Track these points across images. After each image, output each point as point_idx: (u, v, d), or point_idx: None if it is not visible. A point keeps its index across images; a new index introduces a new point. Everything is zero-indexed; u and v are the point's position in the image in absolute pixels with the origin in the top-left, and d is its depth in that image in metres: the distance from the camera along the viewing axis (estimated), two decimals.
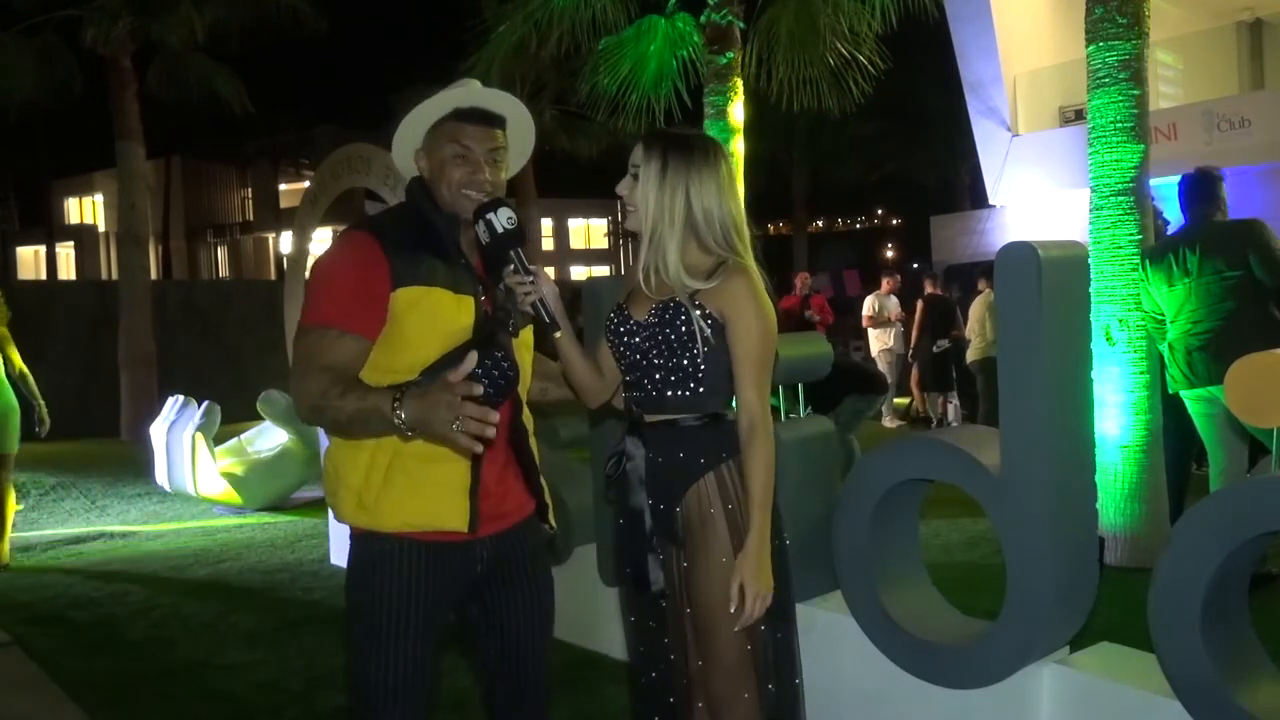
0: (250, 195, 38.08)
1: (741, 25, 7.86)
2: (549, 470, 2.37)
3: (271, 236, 36.24)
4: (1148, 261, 4.71)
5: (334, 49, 46.81)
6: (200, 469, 7.84)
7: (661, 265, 2.13)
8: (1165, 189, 5.24)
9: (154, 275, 21.23)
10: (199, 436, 7.80)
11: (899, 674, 2.91)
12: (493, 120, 2.12)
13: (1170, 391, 4.71)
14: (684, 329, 2.10)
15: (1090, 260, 4.63)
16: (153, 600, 5.20)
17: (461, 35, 10.31)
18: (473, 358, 1.81)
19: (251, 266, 37.60)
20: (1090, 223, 4.99)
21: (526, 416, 2.22)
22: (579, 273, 38.37)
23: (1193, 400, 4.60)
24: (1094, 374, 3.35)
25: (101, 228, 37.19)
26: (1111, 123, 4.88)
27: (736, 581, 2.04)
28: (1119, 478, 4.85)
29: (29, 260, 38.04)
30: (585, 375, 2.28)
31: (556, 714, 2.40)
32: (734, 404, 2.15)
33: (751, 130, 8.20)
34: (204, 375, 13.19)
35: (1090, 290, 3.29)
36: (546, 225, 37.43)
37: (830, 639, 3.11)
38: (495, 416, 1.68)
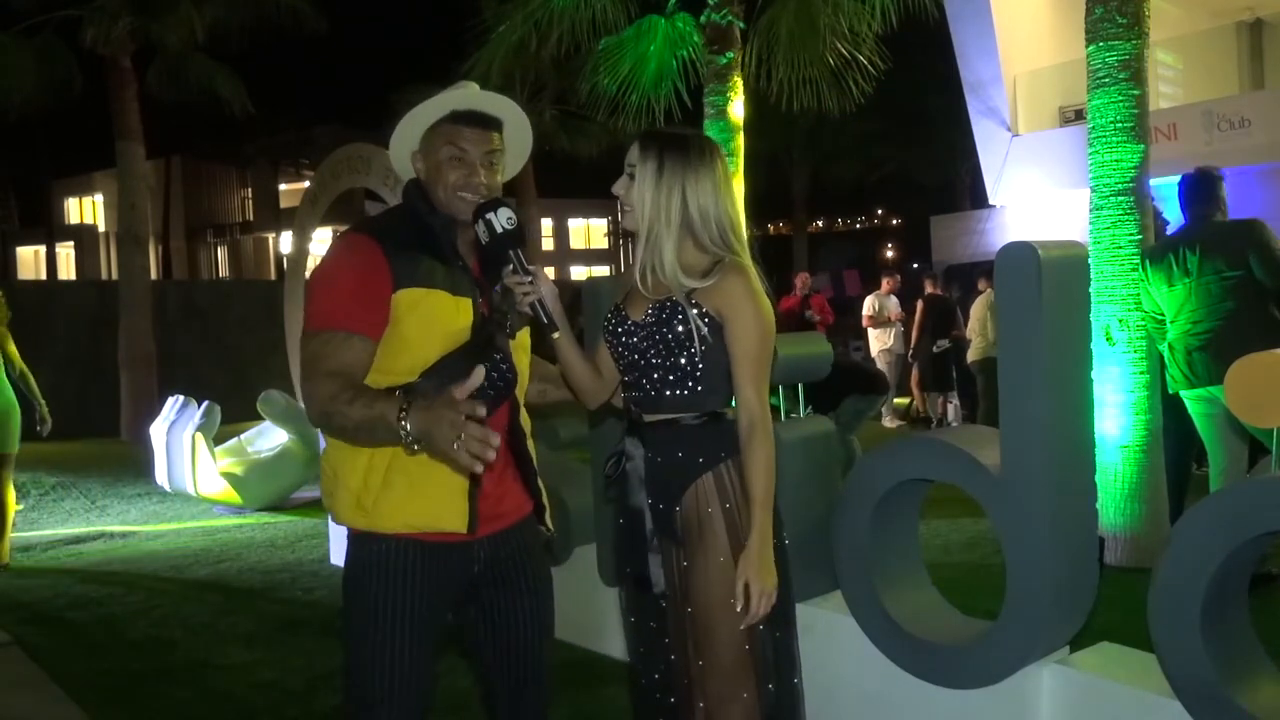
0: (250, 195, 38.07)
1: (741, 25, 7.86)
2: (549, 471, 2.38)
3: (271, 236, 36.23)
4: (1148, 261, 4.71)
5: (334, 49, 46.75)
6: (200, 469, 7.84)
7: (658, 264, 2.13)
8: (1165, 189, 5.24)
9: (154, 275, 21.24)
10: (199, 436, 7.80)
11: (899, 674, 2.91)
12: (489, 123, 2.12)
13: (1170, 391, 4.71)
14: (681, 328, 2.10)
15: (1090, 260, 4.63)
16: (153, 600, 5.20)
17: (461, 35, 10.34)
18: (479, 373, 1.81)
19: (251, 266, 37.60)
20: (1090, 223, 4.99)
21: (524, 418, 2.22)
22: (579, 273, 38.38)
23: (1193, 400, 4.60)
24: (1094, 374, 3.35)
25: (101, 228, 37.19)
26: (1111, 123, 4.88)
27: (741, 580, 2.04)
28: (1119, 478, 4.84)
29: (29, 260, 38.03)
30: (584, 376, 2.28)
31: (556, 714, 2.40)
32: (733, 403, 2.15)
33: (751, 130, 8.20)
34: (204, 375, 13.18)
35: (1090, 290, 3.29)
36: (546, 225, 37.42)
37: (830, 639, 3.10)
38: (497, 440, 1.69)
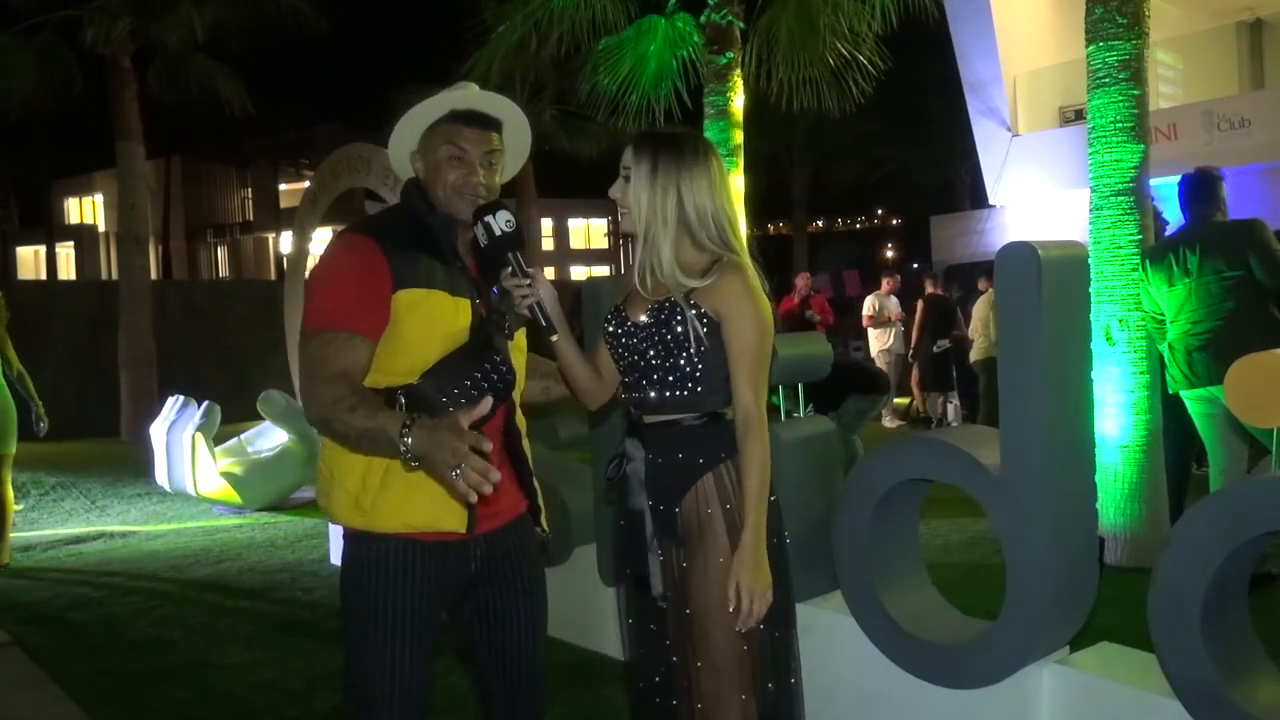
0: (250, 195, 38.08)
1: (741, 25, 7.86)
2: (549, 471, 2.38)
3: (271, 236, 36.24)
4: (1148, 261, 4.71)
5: (334, 49, 46.76)
6: (200, 469, 7.84)
7: (656, 265, 2.12)
8: (1165, 189, 5.24)
9: (154, 275, 21.24)
10: (199, 436, 7.80)
11: (899, 674, 2.91)
12: (489, 123, 2.12)
13: (1170, 391, 4.71)
14: (680, 329, 2.09)
15: (1090, 260, 4.63)
16: (153, 600, 5.20)
17: (461, 35, 10.34)
18: (487, 402, 1.86)
19: (251, 266, 37.61)
20: (1090, 223, 4.99)
21: (520, 419, 2.22)
22: (579, 273, 38.37)
23: (1193, 400, 4.60)
24: (1094, 374, 3.35)
25: (101, 228, 37.20)
26: (1111, 123, 4.88)
27: (733, 582, 2.04)
28: (1119, 478, 4.84)
29: (29, 260, 38.05)
30: (583, 377, 2.27)
31: (556, 714, 2.40)
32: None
33: (751, 130, 8.20)
34: (204, 375, 13.18)
35: (1090, 290, 3.29)
36: (546, 225, 37.43)
37: (830, 639, 3.11)
38: (497, 476, 1.71)
